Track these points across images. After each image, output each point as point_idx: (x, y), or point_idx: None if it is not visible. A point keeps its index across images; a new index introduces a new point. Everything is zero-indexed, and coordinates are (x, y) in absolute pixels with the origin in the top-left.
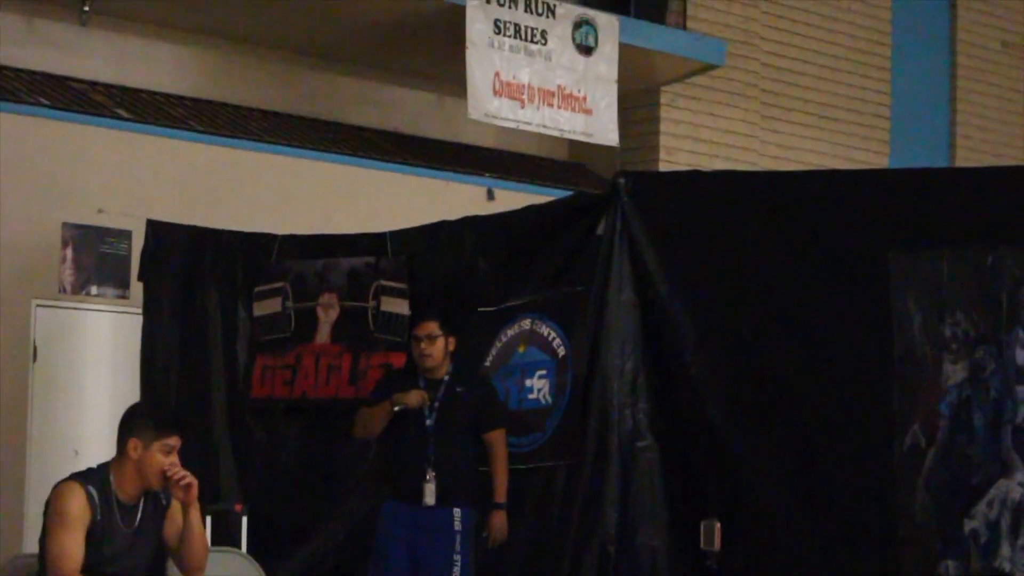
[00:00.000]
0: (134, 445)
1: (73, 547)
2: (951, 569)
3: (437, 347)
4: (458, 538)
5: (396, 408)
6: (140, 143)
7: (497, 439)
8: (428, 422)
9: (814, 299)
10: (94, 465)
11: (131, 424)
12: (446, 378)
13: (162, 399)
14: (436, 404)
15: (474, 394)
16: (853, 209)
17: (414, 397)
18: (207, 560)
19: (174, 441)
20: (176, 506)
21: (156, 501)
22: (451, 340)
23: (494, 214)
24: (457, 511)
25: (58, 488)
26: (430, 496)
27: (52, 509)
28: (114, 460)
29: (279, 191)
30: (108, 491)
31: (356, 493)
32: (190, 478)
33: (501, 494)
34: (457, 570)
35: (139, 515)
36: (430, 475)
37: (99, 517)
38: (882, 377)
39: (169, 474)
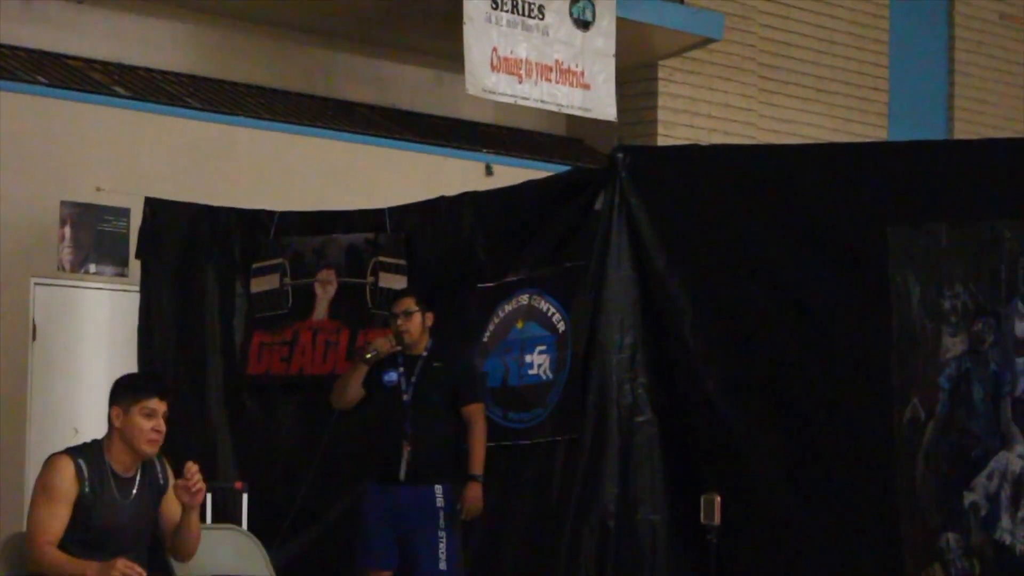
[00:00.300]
0: (116, 413)
1: (50, 519)
2: (951, 542)
3: (414, 323)
4: (441, 514)
5: (368, 356)
6: (138, 121)
7: (475, 412)
8: (405, 397)
9: (812, 273)
10: (90, 440)
11: (113, 394)
12: (424, 353)
13: (153, 370)
14: (413, 380)
15: (451, 368)
16: (851, 182)
17: (382, 342)
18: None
19: (154, 404)
20: (170, 491)
21: (153, 475)
22: (428, 316)
23: (492, 190)
24: (438, 488)
25: (48, 461)
26: (403, 472)
27: (38, 481)
28: (106, 433)
29: (277, 168)
30: (102, 464)
31: (354, 470)
32: (201, 485)
33: (477, 466)
34: (443, 547)
35: (135, 487)
36: (406, 450)
37: (88, 489)
38: (881, 351)
39: (187, 482)
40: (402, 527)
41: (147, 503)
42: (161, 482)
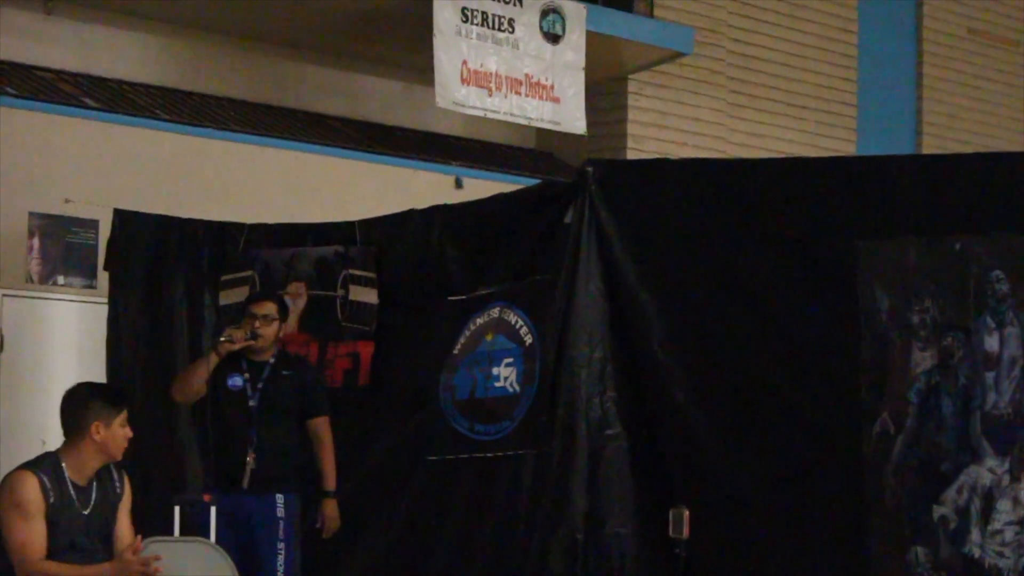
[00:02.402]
0: (96, 428)
1: (34, 536)
2: (920, 555)
3: (272, 328)
4: (281, 525)
5: (222, 340)
6: (107, 132)
7: (322, 426)
8: (252, 403)
9: (782, 287)
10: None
11: (87, 409)
12: (271, 360)
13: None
14: (260, 385)
15: (300, 378)
16: (820, 196)
17: (239, 333)
18: None
19: (125, 413)
20: (127, 504)
21: (109, 483)
22: (284, 326)
23: (462, 203)
24: (279, 497)
25: (10, 478)
26: (247, 480)
27: (7, 500)
28: (68, 445)
29: (246, 180)
30: (61, 475)
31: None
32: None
33: (331, 482)
34: (281, 559)
35: (93, 495)
36: (250, 458)
37: (52, 501)
38: (850, 364)
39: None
40: (243, 536)
41: (106, 511)
42: (118, 490)
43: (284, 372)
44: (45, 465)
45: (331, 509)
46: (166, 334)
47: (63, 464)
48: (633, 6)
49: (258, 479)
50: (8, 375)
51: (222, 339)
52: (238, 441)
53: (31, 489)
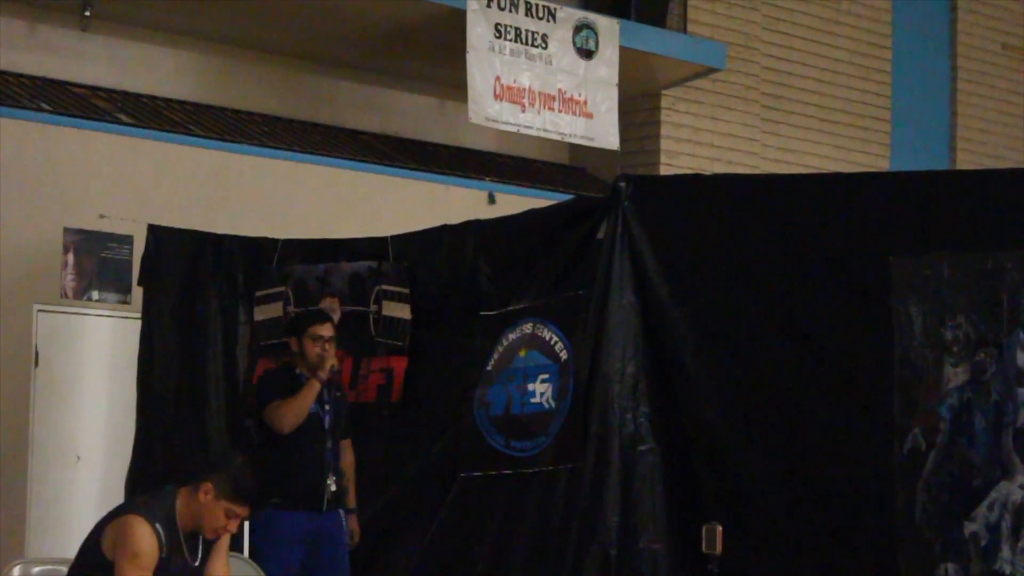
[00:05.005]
0: (206, 489)
1: None
2: (951, 572)
3: (334, 349)
4: (344, 540)
5: (333, 369)
6: (141, 148)
7: (350, 445)
8: (326, 424)
9: (814, 302)
10: (151, 493)
11: (217, 468)
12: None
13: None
14: (327, 407)
15: (344, 398)
16: (854, 212)
17: (335, 361)
18: None
19: (242, 511)
20: (223, 545)
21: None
22: None
23: (495, 218)
24: (342, 512)
25: (128, 524)
26: (327, 500)
27: (125, 546)
28: (184, 491)
29: (280, 196)
30: (173, 526)
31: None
32: None
33: (354, 499)
34: (348, 570)
35: (200, 547)
36: (332, 480)
37: (164, 555)
38: (882, 380)
39: None
40: (313, 552)
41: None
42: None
43: (337, 393)
44: (159, 512)
45: (356, 524)
46: (200, 350)
47: (176, 510)
48: (666, 22)
49: (334, 497)
50: (42, 390)
51: (332, 368)
52: (316, 462)
53: (149, 541)
